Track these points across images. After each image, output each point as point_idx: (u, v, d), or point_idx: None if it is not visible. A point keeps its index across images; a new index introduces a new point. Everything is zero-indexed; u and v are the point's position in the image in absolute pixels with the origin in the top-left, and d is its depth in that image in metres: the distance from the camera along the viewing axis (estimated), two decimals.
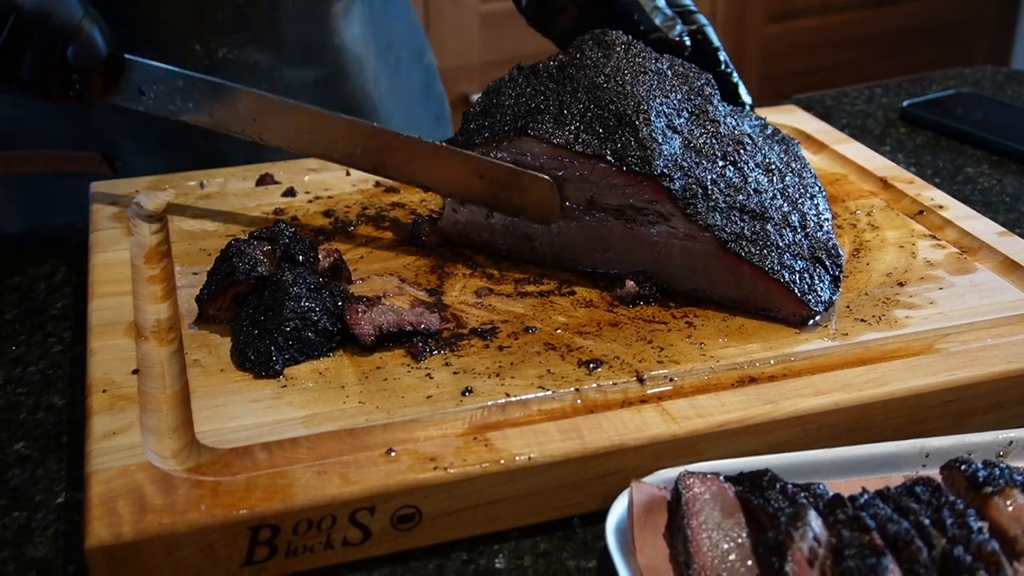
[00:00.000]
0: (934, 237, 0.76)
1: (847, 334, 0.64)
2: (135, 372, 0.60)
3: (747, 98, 0.81)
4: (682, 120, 0.68)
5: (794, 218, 0.67)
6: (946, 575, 0.45)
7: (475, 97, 2.23)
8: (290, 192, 0.82)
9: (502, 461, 0.53)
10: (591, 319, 0.65)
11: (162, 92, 0.74)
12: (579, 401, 0.58)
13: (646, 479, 0.53)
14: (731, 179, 0.66)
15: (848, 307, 0.67)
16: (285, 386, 0.58)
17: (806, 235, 0.67)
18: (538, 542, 0.55)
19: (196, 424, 0.55)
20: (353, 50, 1.00)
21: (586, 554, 0.54)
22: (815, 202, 0.71)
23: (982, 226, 0.77)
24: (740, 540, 0.49)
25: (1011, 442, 0.57)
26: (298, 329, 0.60)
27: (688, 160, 0.66)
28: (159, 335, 0.64)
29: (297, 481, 0.51)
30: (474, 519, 0.54)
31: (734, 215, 0.65)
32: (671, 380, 0.60)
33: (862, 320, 0.65)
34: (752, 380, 0.60)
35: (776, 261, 0.64)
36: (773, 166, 0.69)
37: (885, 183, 0.85)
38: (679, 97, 0.69)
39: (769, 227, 0.65)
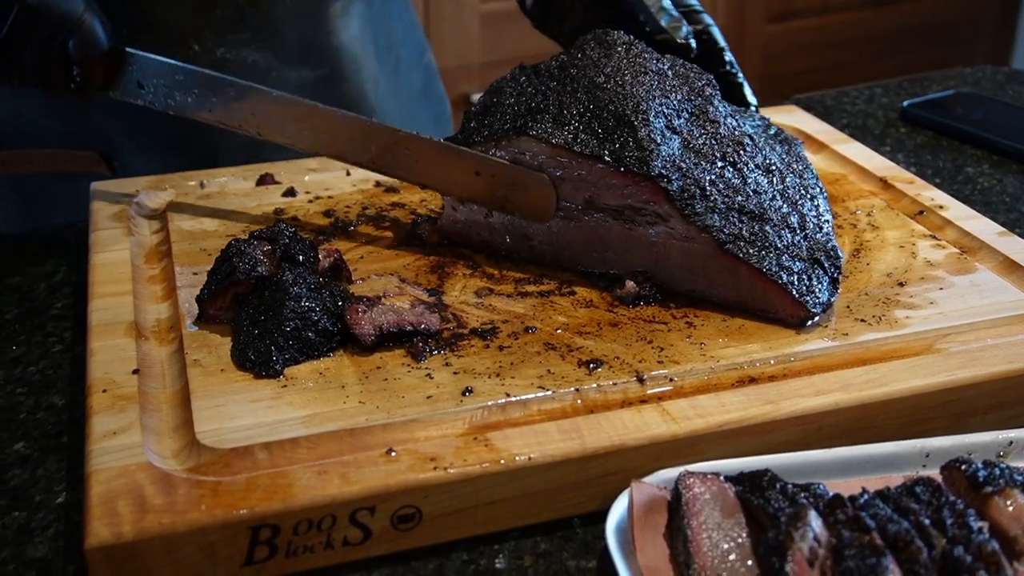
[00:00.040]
0: (934, 237, 0.76)
1: (847, 334, 0.64)
2: (135, 372, 0.60)
3: (752, 99, 0.80)
4: (682, 121, 0.68)
5: (793, 219, 0.67)
6: (946, 575, 0.45)
7: (475, 97, 2.23)
8: (290, 192, 0.82)
9: (502, 461, 0.53)
10: (591, 319, 0.65)
11: (161, 86, 0.74)
12: (579, 401, 0.58)
13: (646, 479, 0.53)
14: (730, 180, 0.66)
15: (848, 307, 0.67)
16: (285, 386, 0.58)
17: (805, 236, 0.67)
18: (538, 542, 0.55)
19: (196, 424, 0.55)
20: (351, 50, 1.00)
21: (586, 554, 0.54)
22: (815, 203, 0.71)
23: (982, 226, 0.77)
24: (740, 540, 0.49)
25: (1011, 442, 0.57)
26: (298, 329, 0.60)
27: (687, 161, 0.66)
28: (159, 335, 0.64)
29: (297, 481, 0.51)
30: (474, 519, 0.54)
31: (732, 216, 0.65)
32: (671, 380, 0.60)
33: (862, 320, 0.65)
34: (752, 380, 0.60)
35: (774, 262, 0.64)
36: (774, 167, 0.69)
37: (885, 183, 0.85)
38: (679, 97, 0.69)
39: (768, 228, 0.65)
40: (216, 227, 0.77)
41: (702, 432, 0.55)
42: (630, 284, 0.67)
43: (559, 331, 0.64)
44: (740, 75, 0.81)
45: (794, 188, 0.70)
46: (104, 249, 0.73)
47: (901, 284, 0.70)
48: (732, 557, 0.48)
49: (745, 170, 0.67)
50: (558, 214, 0.69)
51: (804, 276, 0.65)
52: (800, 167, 0.73)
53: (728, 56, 0.81)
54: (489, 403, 0.57)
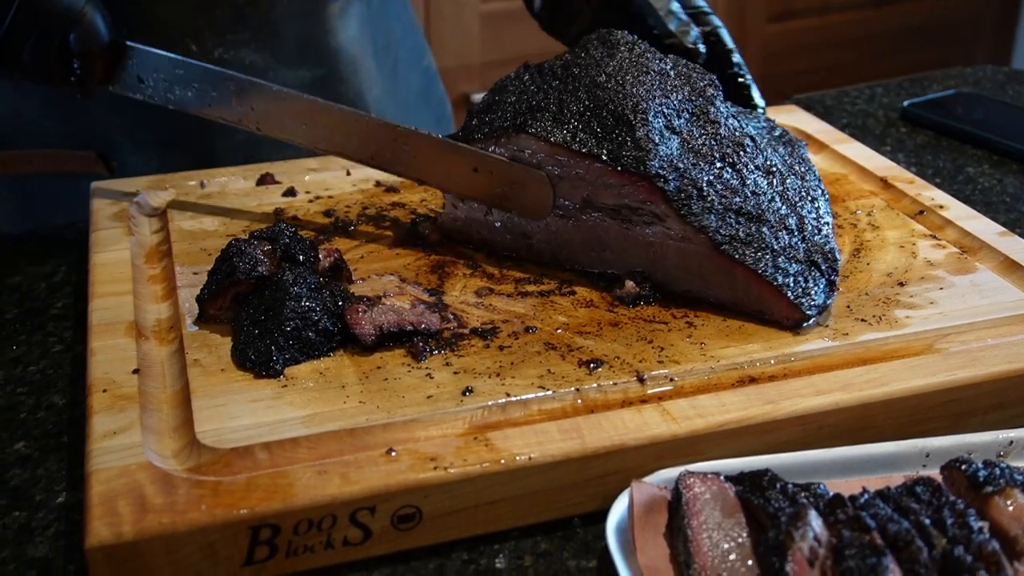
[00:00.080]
0: (934, 237, 0.76)
1: (847, 334, 0.64)
2: (135, 372, 0.60)
3: (760, 101, 0.80)
4: (682, 121, 0.68)
5: (791, 221, 0.67)
6: (946, 575, 0.45)
7: (475, 97, 2.23)
8: (290, 192, 0.82)
9: (502, 461, 0.53)
10: (591, 319, 0.65)
11: (161, 80, 0.74)
12: (579, 401, 0.58)
13: (646, 479, 0.53)
14: (728, 181, 0.66)
15: (848, 307, 0.67)
16: (285, 386, 0.58)
17: (803, 238, 0.67)
18: (539, 542, 0.55)
19: (196, 424, 0.55)
20: (350, 51, 1.00)
21: (587, 554, 0.54)
22: (816, 205, 0.70)
23: (982, 226, 0.77)
24: (740, 540, 0.49)
25: (1011, 442, 0.57)
26: (298, 329, 0.60)
27: (685, 161, 0.66)
28: (159, 335, 0.64)
29: (298, 481, 0.51)
30: (474, 519, 0.54)
31: (729, 217, 0.65)
32: (671, 380, 0.60)
33: (862, 320, 0.65)
34: (752, 380, 0.60)
35: (770, 264, 0.64)
36: (774, 168, 0.69)
37: (885, 183, 0.85)
38: (680, 98, 0.69)
39: (765, 229, 0.65)
40: (216, 227, 0.77)
41: (702, 432, 0.55)
42: (629, 284, 0.67)
43: (559, 331, 0.64)
44: (748, 77, 0.81)
45: (794, 190, 0.69)
46: (104, 249, 0.73)
47: (901, 284, 0.70)
48: (732, 557, 0.48)
49: (744, 171, 0.67)
50: (556, 212, 0.69)
51: (800, 278, 0.65)
52: (802, 169, 0.73)
53: (736, 58, 0.81)
54: (489, 403, 0.57)
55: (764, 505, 0.49)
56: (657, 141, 0.66)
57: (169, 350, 0.62)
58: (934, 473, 0.54)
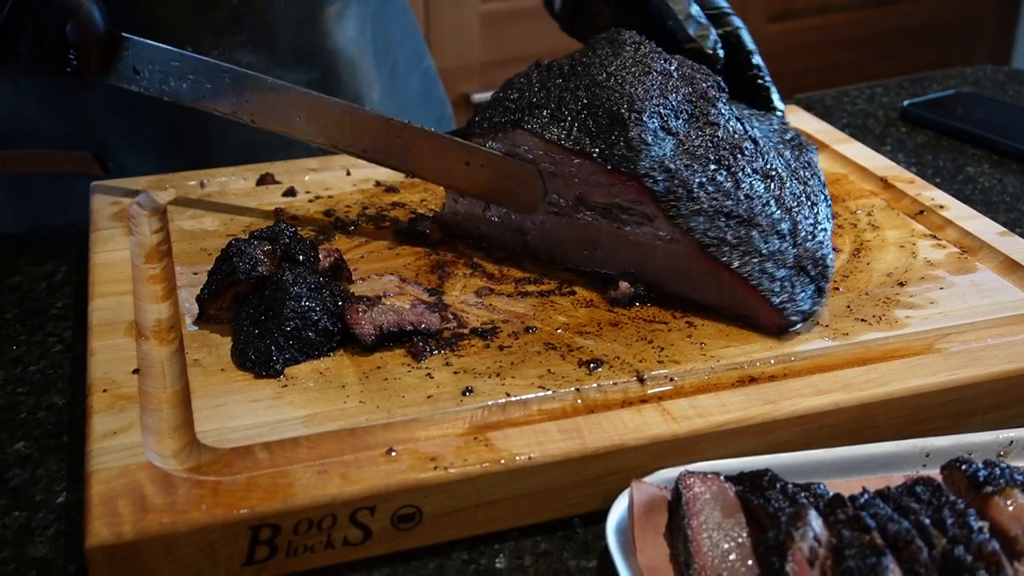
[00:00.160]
0: (935, 237, 0.76)
1: (847, 334, 0.64)
2: (135, 372, 0.60)
3: (779, 104, 0.79)
4: (679, 122, 0.68)
5: (784, 226, 0.66)
6: (947, 575, 0.45)
7: (475, 97, 2.23)
8: (290, 192, 0.82)
9: (503, 461, 0.53)
10: (591, 319, 0.65)
11: (156, 72, 0.74)
12: (579, 401, 0.58)
13: (646, 479, 0.53)
14: (722, 184, 0.66)
15: (848, 307, 0.67)
16: (286, 386, 0.58)
17: (795, 243, 0.66)
18: (539, 542, 0.55)
19: (196, 424, 0.55)
20: (347, 53, 1.00)
21: (587, 554, 0.54)
22: (815, 210, 0.70)
23: (983, 226, 0.77)
24: (740, 540, 0.49)
25: (1011, 442, 0.57)
26: (298, 329, 0.60)
27: (678, 162, 0.66)
28: (159, 335, 0.64)
29: (298, 481, 0.51)
30: (475, 519, 0.54)
31: (720, 220, 0.64)
32: (671, 380, 0.60)
33: (862, 320, 0.65)
34: (752, 380, 0.60)
35: (756, 268, 0.64)
36: (774, 172, 0.68)
37: (885, 183, 0.85)
38: (679, 98, 0.69)
39: (755, 233, 0.65)
40: (216, 227, 0.77)
41: (702, 432, 0.55)
42: (624, 285, 0.67)
43: (559, 331, 0.64)
44: (767, 79, 0.80)
45: (793, 194, 0.69)
46: (104, 249, 0.73)
47: (901, 284, 0.70)
48: (732, 557, 0.48)
49: (740, 174, 0.67)
50: (550, 210, 0.70)
51: (787, 284, 0.64)
52: (806, 173, 0.72)
53: (756, 59, 0.79)
54: (489, 403, 0.57)
55: (764, 505, 0.49)
56: (650, 141, 0.65)
57: (169, 350, 0.62)
58: (934, 473, 0.54)
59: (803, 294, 0.64)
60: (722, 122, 0.69)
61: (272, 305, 0.62)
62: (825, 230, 0.69)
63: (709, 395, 0.58)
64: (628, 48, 0.71)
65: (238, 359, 0.60)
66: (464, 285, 0.69)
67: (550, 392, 0.58)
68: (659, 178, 0.64)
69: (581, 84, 0.69)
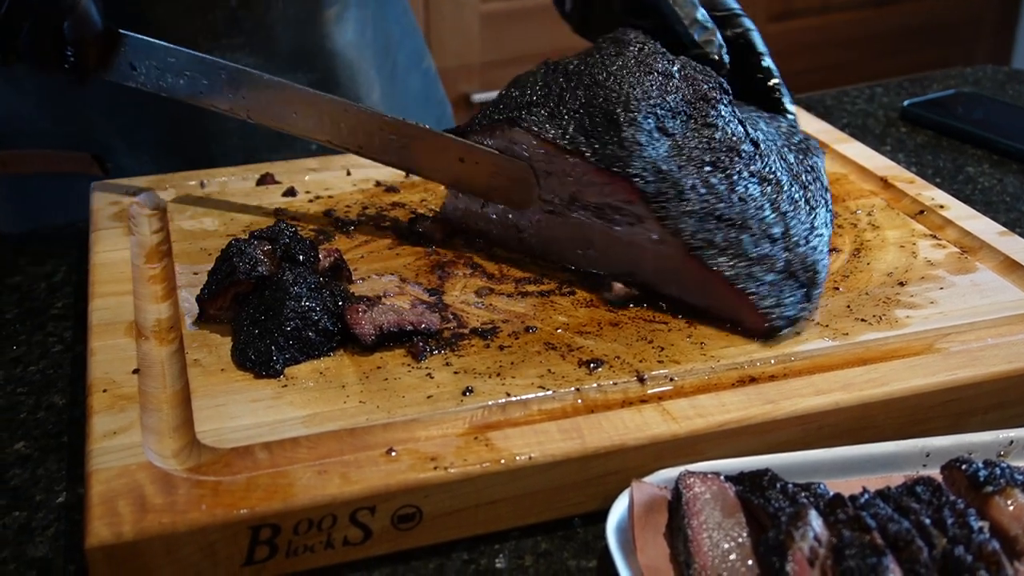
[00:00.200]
0: (935, 237, 0.76)
1: (847, 334, 0.64)
2: (135, 372, 0.60)
3: (790, 107, 0.79)
4: (676, 123, 0.67)
5: (776, 230, 0.65)
6: (947, 575, 0.45)
7: (476, 97, 2.23)
8: (290, 192, 0.82)
9: (503, 461, 0.53)
10: (592, 319, 0.65)
11: (153, 68, 0.74)
12: (580, 401, 0.58)
13: (647, 479, 0.53)
14: (715, 186, 0.65)
15: (848, 307, 0.67)
16: (286, 386, 0.58)
17: (786, 248, 0.65)
18: (539, 542, 0.55)
19: (196, 424, 0.55)
20: (346, 55, 1.00)
21: (587, 554, 0.54)
22: (812, 215, 0.69)
23: (983, 226, 0.77)
24: (741, 540, 0.49)
25: (1011, 442, 0.57)
26: (299, 329, 0.60)
27: (671, 163, 0.65)
28: (159, 335, 0.64)
29: (298, 481, 0.51)
30: (475, 519, 0.54)
31: (710, 222, 0.64)
32: (671, 380, 0.60)
33: (863, 320, 0.65)
34: (752, 380, 0.60)
35: (743, 272, 0.63)
36: (773, 175, 0.68)
37: (886, 183, 0.85)
38: (678, 99, 0.68)
39: (745, 237, 0.64)
40: (216, 227, 0.77)
41: (702, 432, 0.55)
42: (618, 287, 0.67)
43: (559, 331, 0.64)
44: (778, 81, 0.79)
45: (791, 198, 0.68)
46: (104, 249, 0.73)
47: (901, 284, 0.70)
48: (732, 557, 0.48)
49: (735, 177, 0.66)
50: (546, 208, 0.70)
51: (775, 288, 0.63)
52: (809, 177, 0.72)
53: (766, 62, 0.79)
54: (489, 403, 0.57)
55: (764, 505, 0.49)
56: (643, 142, 0.65)
57: (169, 350, 0.62)
58: (934, 473, 0.54)
59: (791, 299, 0.64)
60: (721, 124, 0.69)
61: (272, 305, 0.62)
62: (821, 236, 0.68)
63: (709, 395, 0.58)
64: (632, 48, 0.71)
65: (238, 359, 0.60)
66: (464, 285, 0.69)
67: (550, 392, 0.58)
68: (649, 179, 0.64)
69: (581, 83, 0.69)
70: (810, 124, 0.96)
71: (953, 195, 0.84)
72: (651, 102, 0.67)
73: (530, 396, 0.57)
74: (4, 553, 0.53)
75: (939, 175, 0.97)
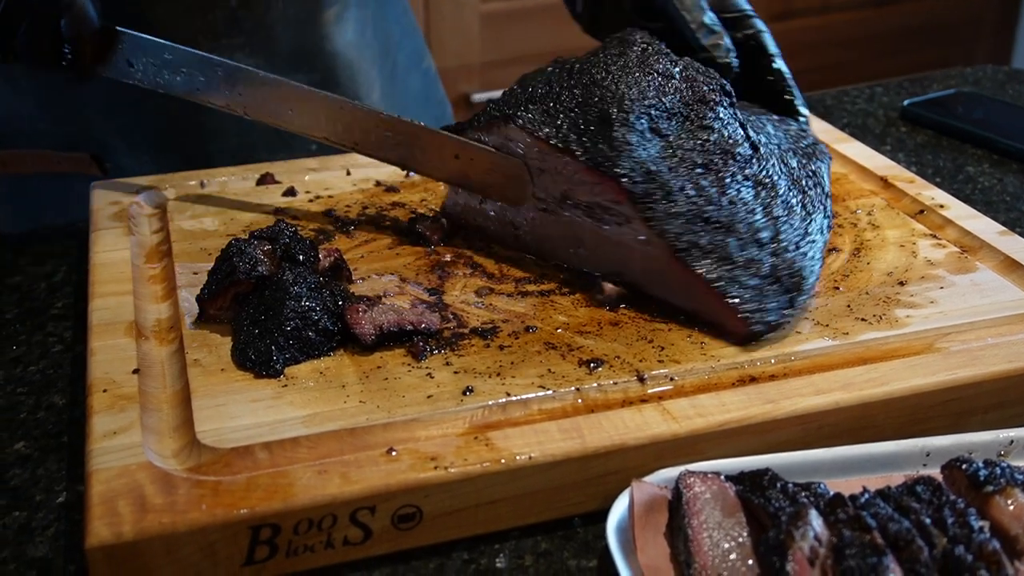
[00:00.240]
0: (935, 236, 0.76)
1: (848, 333, 0.64)
2: (135, 372, 0.60)
3: (803, 110, 0.78)
4: (672, 124, 0.67)
5: (765, 234, 0.65)
6: (947, 574, 0.45)
7: (476, 97, 2.23)
8: (290, 192, 0.82)
9: (503, 460, 0.53)
10: (592, 318, 0.65)
11: (150, 65, 0.75)
12: (580, 400, 0.58)
13: (647, 478, 0.53)
14: (705, 188, 0.65)
15: (849, 306, 0.67)
16: (286, 386, 0.58)
17: (774, 253, 0.65)
18: (539, 541, 0.55)
19: (197, 424, 0.55)
20: (346, 55, 1.00)
21: (587, 553, 0.54)
22: (807, 221, 0.68)
23: (983, 225, 0.77)
24: (741, 539, 0.49)
25: (1012, 441, 0.57)
26: (299, 328, 0.60)
27: (661, 164, 0.65)
28: (159, 335, 0.64)
29: (298, 480, 0.51)
30: (475, 518, 0.54)
31: (697, 224, 0.64)
32: (672, 379, 0.60)
33: (863, 319, 0.65)
34: (753, 379, 0.60)
35: (726, 275, 0.63)
36: (768, 179, 0.67)
37: (886, 182, 0.85)
38: (675, 100, 0.68)
39: (731, 240, 0.64)
40: (216, 227, 0.77)
41: (703, 431, 0.55)
42: (609, 287, 0.67)
43: (560, 330, 0.64)
44: (789, 84, 0.78)
45: (786, 203, 0.67)
46: (104, 249, 0.73)
47: (902, 283, 0.70)
48: (733, 556, 0.48)
49: (728, 180, 0.66)
50: (540, 206, 0.70)
51: (757, 293, 0.63)
52: (810, 182, 0.71)
53: (777, 64, 0.78)
54: (490, 402, 0.57)
55: (764, 504, 0.49)
56: (633, 142, 0.65)
57: (169, 350, 0.62)
58: (935, 472, 0.53)
59: (773, 304, 0.63)
60: (718, 127, 0.68)
61: (272, 305, 0.62)
62: (814, 242, 0.67)
63: (709, 394, 0.58)
64: (635, 48, 0.71)
65: (238, 359, 0.60)
66: (464, 285, 0.69)
67: (550, 392, 0.58)
68: (637, 179, 0.64)
69: (580, 82, 0.69)
70: (810, 123, 0.96)
71: (953, 195, 0.84)
72: (646, 102, 0.67)
73: (530, 396, 0.57)
74: (4, 553, 0.53)
75: (939, 175, 0.97)
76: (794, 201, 0.68)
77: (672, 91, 0.68)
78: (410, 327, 0.62)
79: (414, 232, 0.75)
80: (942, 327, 0.64)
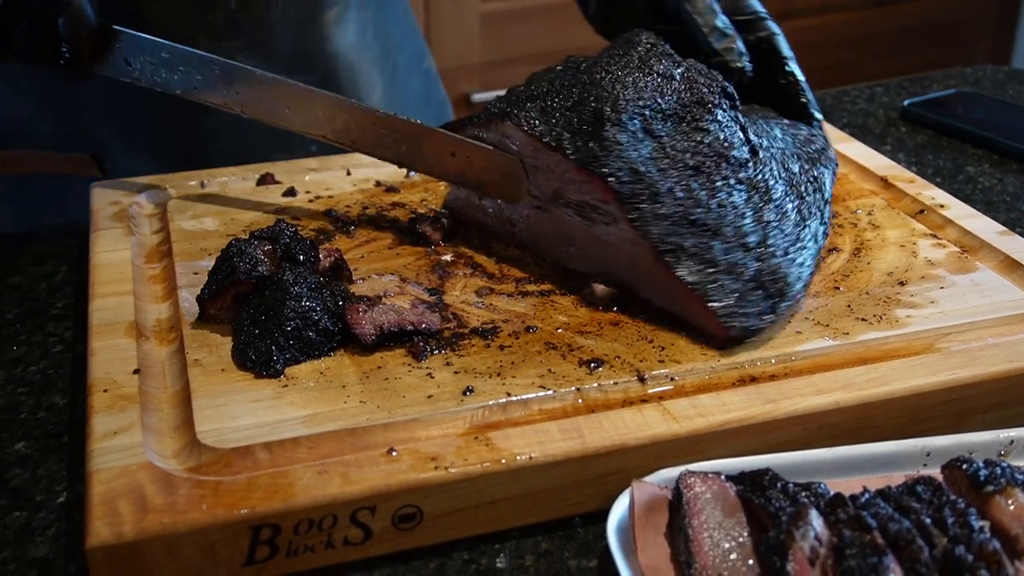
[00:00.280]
0: (935, 236, 0.76)
1: (848, 333, 0.64)
2: (136, 372, 0.60)
3: (817, 114, 0.78)
4: (667, 125, 0.67)
5: (752, 239, 0.64)
6: (947, 574, 0.45)
7: (475, 97, 2.23)
8: (291, 192, 0.82)
9: (503, 461, 0.53)
10: (592, 318, 0.65)
11: (148, 63, 0.75)
12: (580, 400, 0.58)
13: (647, 478, 0.53)
14: (694, 190, 0.64)
15: (849, 306, 0.67)
16: (286, 386, 0.58)
17: (759, 258, 0.64)
18: (539, 541, 0.55)
19: (197, 424, 0.55)
20: (347, 57, 1.00)
21: (587, 553, 0.54)
22: (800, 227, 0.67)
23: (983, 225, 0.77)
24: (741, 539, 0.49)
25: (1012, 441, 0.57)
26: (299, 329, 0.60)
27: (651, 165, 0.65)
28: (160, 335, 0.64)
29: (298, 481, 0.51)
30: (475, 519, 0.54)
31: (682, 226, 0.63)
32: (672, 379, 0.60)
33: (863, 319, 0.65)
34: (753, 379, 0.60)
35: (707, 279, 0.62)
36: (763, 184, 0.67)
37: (886, 182, 0.85)
38: (672, 101, 0.68)
39: (716, 243, 0.63)
40: (217, 227, 0.77)
41: (703, 431, 0.55)
42: (599, 288, 0.66)
43: (560, 330, 0.64)
44: (803, 87, 0.77)
45: (779, 209, 0.67)
46: (104, 249, 0.73)
47: (902, 283, 0.70)
48: (733, 556, 0.48)
49: (718, 183, 0.65)
50: (534, 203, 0.70)
51: (737, 298, 0.62)
52: (809, 188, 0.70)
53: (790, 67, 0.77)
54: (490, 402, 0.57)
55: (765, 504, 0.49)
56: (623, 142, 0.65)
57: (169, 350, 0.62)
58: (935, 472, 0.53)
59: (754, 310, 0.62)
60: (713, 129, 0.67)
61: (272, 305, 0.62)
62: (806, 248, 0.67)
63: (710, 394, 0.58)
64: (639, 49, 0.71)
65: (239, 359, 0.60)
66: (464, 285, 0.69)
67: (551, 392, 0.58)
68: (625, 179, 0.64)
69: (579, 81, 0.69)
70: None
71: (953, 195, 0.84)
72: (641, 103, 0.67)
73: (531, 396, 0.57)
74: (5, 553, 0.53)
75: (939, 175, 0.97)
76: (789, 206, 0.68)
77: (670, 92, 0.68)
78: (410, 327, 0.62)
79: (414, 232, 0.75)
80: (942, 327, 0.64)
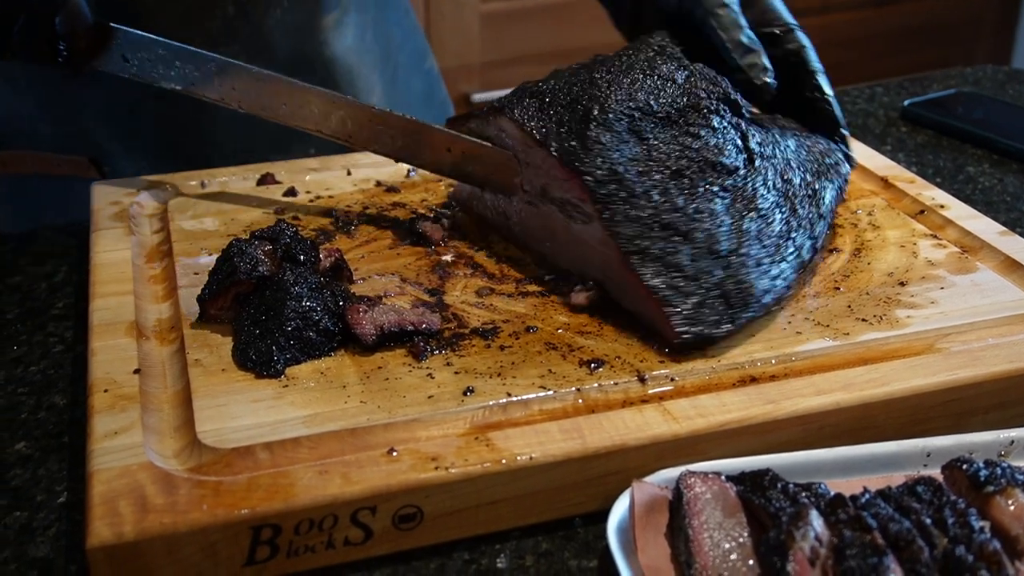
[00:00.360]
0: (935, 236, 0.76)
1: (848, 333, 0.64)
2: (136, 372, 0.60)
3: (844, 130, 0.77)
4: (654, 128, 0.66)
5: (723, 246, 0.63)
6: (948, 574, 0.45)
7: (476, 97, 2.23)
8: (291, 192, 0.82)
9: (504, 461, 0.53)
10: (592, 319, 0.65)
11: (145, 60, 0.76)
12: (580, 401, 0.58)
13: (647, 479, 0.53)
14: (672, 195, 0.64)
15: (849, 307, 0.67)
16: (287, 386, 0.58)
17: (727, 267, 0.63)
18: (540, 542, 0.55)
19: (198, 424, 0.55)
20: (346, 61, 1.00)
21: (588, 554, 0.54)
22: (783, 240, 0.66)
23: (983, 225, 0.77)
24: (742, 540, 0.49)
25: (1012, 441, 0.57)
26: (299, 329, 0.60)
27: (631, 167, 0.64)
28: (160, 335, 0.64)
29: (299, 481, 0.51)
30: (476, 519, 0.54)
31: (653, 229, 0.62)
32: (672, 380, 0.60)
33: (863, 320, 0.65)
34: (753, 380, 0.60)
35: (668, 283, 0.61)
36: (751, 193, 0.66)
37: (886, 182, 0.85)
38: (666, 104, 0.68)
39: (685, 248, 0.62)
40: (217, 227, 0.77)
41: (703, 432, 0.55)
42: (581, 294, 0.66)
43: (560, 331, 0.64)
44: (831, 101, 0.76)
45: (764, 219, 0.66)
46: (105, 249, 0.73)
47: (902, 283, 0.70)
48: (733, 557, 0.48)
49: (700, 189, 0.64)
50: (526, 198, 0.71)
51: (696, 304, 0.61)
52: (805, 202, 0.70)
53: (818, 80, 0.76)
54: (490, 403, 0.57)
55: (765, 505, 0.49)
56: (605, 142, 0.65)
57: (170, 350, 0.62)
58: (935, 473, 0.54)
59: (712, 318, 0.61)
60: (705, 134, 0.67)
61: (273, 305, 0.62)
62: (784, 261, 0.66)
63: (710, 395, 0.58)
64: (647, 51, 0.71)
65: (239, 359, 0.60)
66: (465, 285, 0.69)
67: (551, 392, 0.58)
68: (601, 178, 0.64)
69: (579, 80, 0.69)
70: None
71: (953, 195, 0.84)
72: (631, 104, 0.67)
73: (531, 396, 0.57)
74: (5, 553, 0.53)
75: (939, 175, 0.97)
76: (777, 217, 0.67)
77: (666, 95, 0.68)
78: (411, 327, 0.62)
79: (415, 232, 0.75)
80: (943, 327, 0.65)
